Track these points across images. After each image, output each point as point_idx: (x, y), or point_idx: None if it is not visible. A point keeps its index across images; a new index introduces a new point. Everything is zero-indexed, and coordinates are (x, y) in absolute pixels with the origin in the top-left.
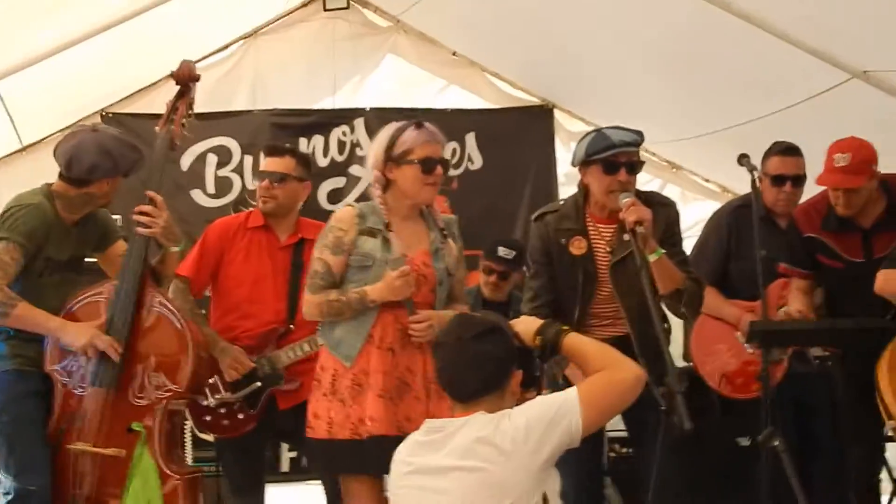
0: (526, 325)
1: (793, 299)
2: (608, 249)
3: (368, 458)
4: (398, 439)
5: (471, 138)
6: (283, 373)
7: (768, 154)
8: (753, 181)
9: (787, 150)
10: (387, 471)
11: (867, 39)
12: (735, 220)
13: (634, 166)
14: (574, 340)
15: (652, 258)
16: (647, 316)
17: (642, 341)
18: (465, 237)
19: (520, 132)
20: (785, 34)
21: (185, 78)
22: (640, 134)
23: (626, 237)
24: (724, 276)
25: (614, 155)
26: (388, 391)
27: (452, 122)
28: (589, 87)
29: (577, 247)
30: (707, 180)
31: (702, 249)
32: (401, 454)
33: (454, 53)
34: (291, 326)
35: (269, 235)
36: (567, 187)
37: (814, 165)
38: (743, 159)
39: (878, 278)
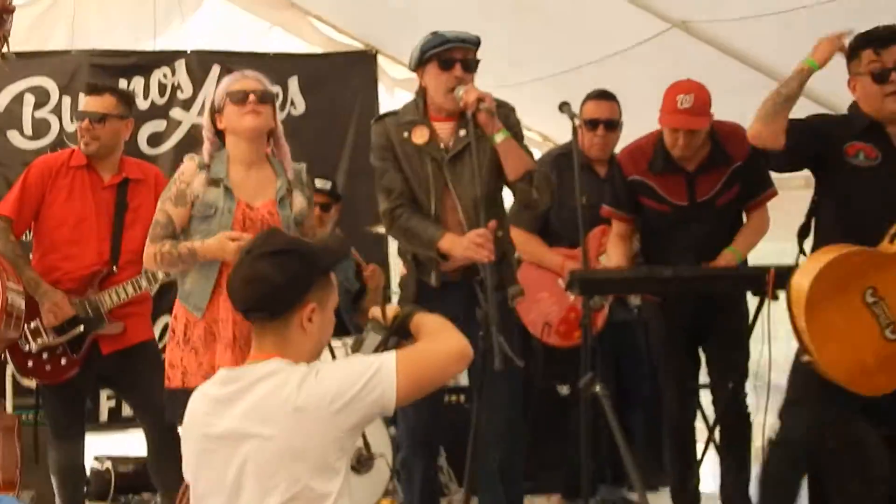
0: (391, 309)
1: (611, 246)
2: (445, 149)
3: None
4: None
5: (293, 83)
6: (105, 316)
7: (584, 101)
8: (574, 129)
9: (600, 95)
10: None
11: None
12: (556, 168)
13: (470, 63)
14: (420, 317)
15: (498, 138)
16: (487, 209)
17: None
18: None
19: (343, 77)
20: None
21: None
22: (476, 37)
23: (462, 133)
24: (545, 223)
25: (449, 50)
26: (238, 339)
27: (275, 66)
28: (413, 32)
29: (420, 135)
30: (528, 129)
31: None
32: (196, 408)
33: None
34: (115, 268)
35: (91, 175)
36: None
37: (637, 112)
38: (564, 107)
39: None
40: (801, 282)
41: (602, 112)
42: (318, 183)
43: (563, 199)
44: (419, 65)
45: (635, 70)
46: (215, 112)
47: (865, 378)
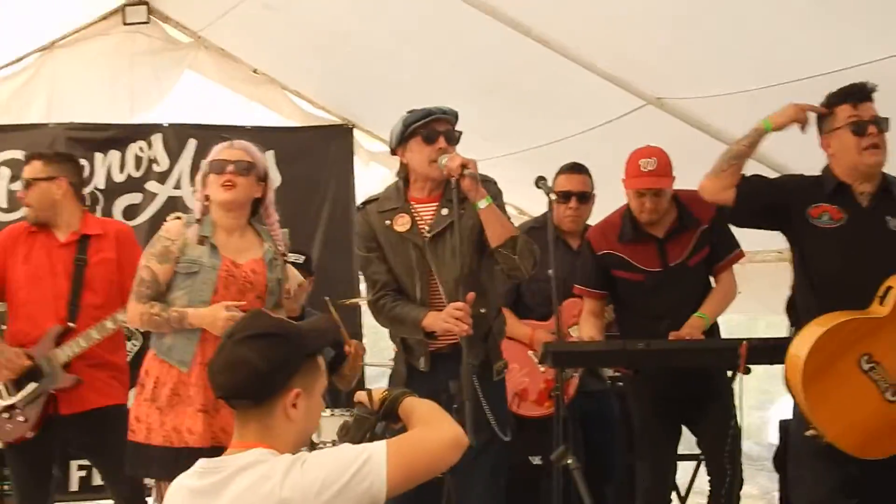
0: (377, 392)
1: (583, 322)
2: (428, 230)
3: (184, 467)
4: (214, 450)
5: (270, 156)
6: (60, 371)
7: (557, 174)
8: (550, 202)
9: (572, 168)
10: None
11: (661, 68)
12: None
13: (453, 135)
14: (409, 402)
15: (482, 204)
16: (468, 287)
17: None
18: None
19: (319, 151)
20: (583, 60)
21: None
22: (455, 111)
23: (445, 212)
24: (517, 296)
25: (433, 122)
26: (207, 405)
27: (251, 139)
28: (390, 107)
29: (401, 223)
30: (505, 203)
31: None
32: (174, 501)
33: (255, 71)
34: (71, 325)
35: (46, 235)
36: None
37: (612, 187)
38: (540, 181)
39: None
40: (797, 355)
41: (574, 184)
42: (292, 257)
43: (535, 271)
44: (401, 140)
45: (610, 146)
46: (204, 176)
47: (876, 443)
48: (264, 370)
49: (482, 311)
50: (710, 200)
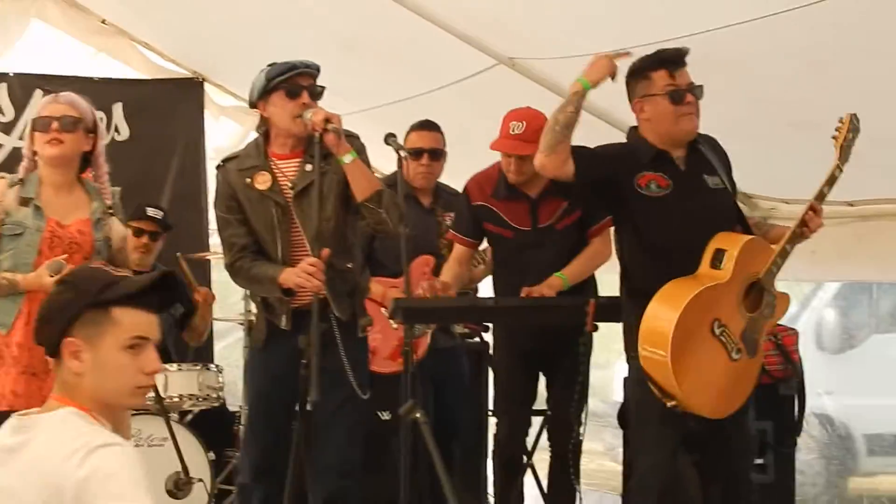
0: None
1: (446, 268)
2: (290, 186)
3: None
4: None
5: (118, 108)
6: None
7: (409, 131)
8: (399, 160)
9: (424, 125)
10: None
11: (514, 28)
12: None
13: (316, 90)
14: None
15: (347, 158)
16: (336, 239)
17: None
18: None
19: (169, 104)
20: (436, 18)
21: None
22: (317, 65)
23: (309, 167)
24: (370, 252)
25: (296, 76)
26: (32, 367)
27: (99, 91)
28: (241, 61)
29: (261, 181)
30: None
31: None
32: None
33: (103, 21)
34: None
35: None
36: (215, 161)
37: (462, 145)
38: (390, 138)
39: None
40: (659, 329)
41: (426, 142)
42: (150, 211)
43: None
44: (263, 94)
45: (462, 105)
46: (32, 131)
47: (725, 401)
48: (42, 317)
49: (349, 265)
50: (553, 177)
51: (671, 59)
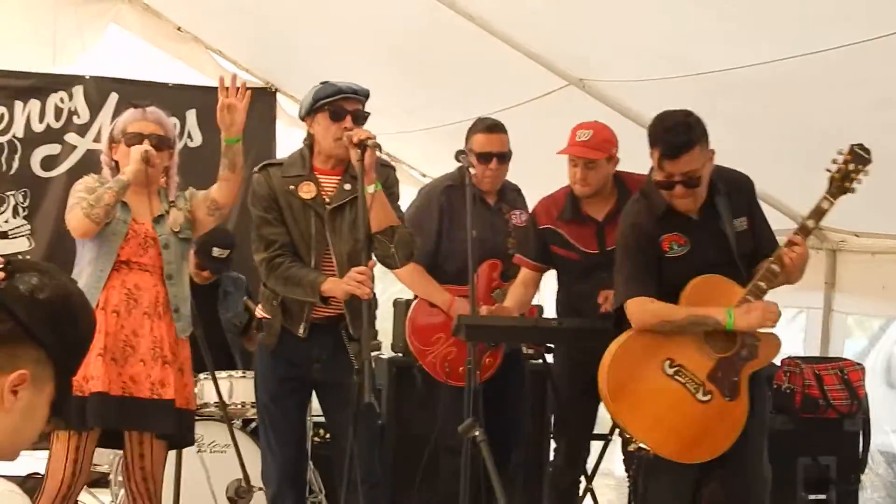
0: None
1: (511, 290)
2: (327, 201)
3: (89, 413)
4: (121, 399)
5: (191, 115)
6: None
7: (472, 131)
8: (468, 175)
9: (491, 127)
10: (104, 426)
11: (585, 49)
12: (447, 199)
13: (360, 116)
14: None
15: (370, 189)
16: (356, 263)
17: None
18: None
19: None
20: (508, 38)
21: None
22: (366, 90)
23: (347, 186)
24: (435, 253)
25: (341, 101)
26: (110, 351)
27: (173, 97)
28: (314, 73)
29: (306, 191)
30: (424, 175)
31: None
32: None
33: (179, 28)
34: None
35: None
36: None
37: (529, 166)
38: (461, 155)
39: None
40: (599, 372)
41: (494, 145)
42: (216, 251)
43: (453, 231)
44: (309, 112)
45: (529, 125)
46: (112, 142)
47: (696, 446)
48: (5, 327)
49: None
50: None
51: (669, 148)
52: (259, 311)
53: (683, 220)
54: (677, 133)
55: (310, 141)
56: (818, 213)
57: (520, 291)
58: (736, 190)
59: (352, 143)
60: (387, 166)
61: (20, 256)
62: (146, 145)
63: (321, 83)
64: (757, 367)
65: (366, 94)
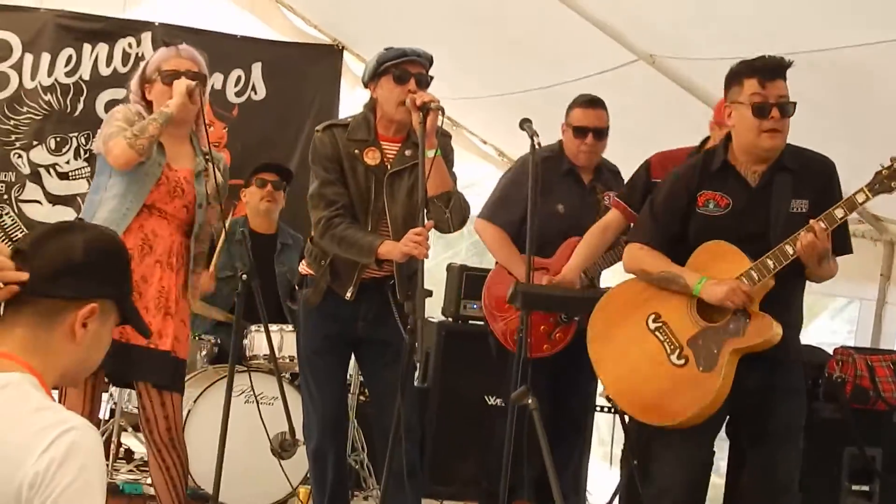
0: None
1: (588, 235)
2: (388, 167)
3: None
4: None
5: (257, 68)
6: None
7: (572, 106)
8: (532, 146)
9: (591, 102)
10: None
11: (657, 25)
12: (543, 170)
13: (423, 79)
14: None
15: (429, 153)
16: (411, 227)
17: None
18: (237, 165)
19: (307, 68)
20: (580, 8)
21: None
22: (430, 54)
23: (408, 153)
24: (521, 225)
25: (406, 63)
26: (167, 307)
27: (241, 49)
28: (381, 33)
29: (372, 157)
30: (485, 142)
31: (503, 197)
32: None
33: None
34: None
35: None
36: None
37: None
38: (525, 123)
39: (624, 255)
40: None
41: (591, 120)
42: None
43: (542, 204)
44: (373, 76)
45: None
46: (145, 82)
47: (658, 407)
48: (79, 262)
49: None
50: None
51: (767, 69)
52: (304, 268)
53: (738, 183)
54: (772, 58)
55: (372, 105)
56: (850, 205)
57: (597, 236)
58: (807, 171)
59: (414, 105)
60: (444, 135)
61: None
62: (188, 80)
63: (384, 48)
64: (741, 345)
65: (429, 59)
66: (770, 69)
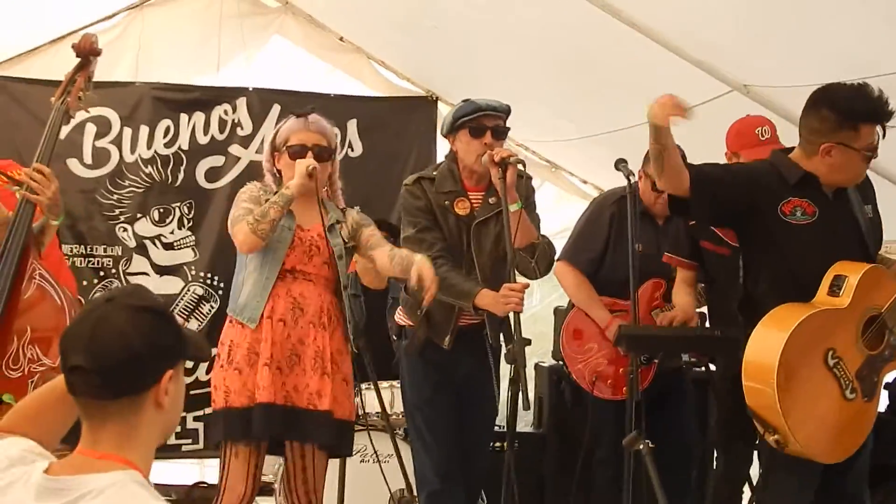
0: None
1: (677, 290)
2: (474, 216)
3: (254, 423)
4: (284, 408)
5: (352, 125)
6: None
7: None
8: (630, 185)
9: None
10: (268, 436)
11: (748, 55)
12: (618, 209)
13: (500, 131)
14: None
15: (512, 207)
16: (499, 274)
17: None
18: None
19: (402, 122)
20: (670, 44)
21: (86, 51)
22: (507, 106)
23: (493, 200)
24: (599, 265)
25: (481, 118)
26: (277, 361)
27: (335, 107)
28: (474, 81)
29: (462, 207)
30: (584, 182)
31: (581, 236)
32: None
33: (341, 39)
34: None
35: None
36: None
37: None
38: (620, 164)
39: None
40: (764, 355)
41: None
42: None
43: (619, 243)
44: (451, 130)
45: (694, 131)
46: (274, 151)
47: (838, 444)
48: (141, 348)
49: None
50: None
51: (886, 115)
52: (401, 318)
53: (818, 192)
54: (886, 102)
55: (453, 156)
56: None
57: (684, 291)
58: (863, 181)
59: (493, 162)
60: (522, 177)
61: (184, 267)
62: (310, 159)
63: (462, 101)
64: (893, 369)
65: (506, 111)
66: (889, 115)
